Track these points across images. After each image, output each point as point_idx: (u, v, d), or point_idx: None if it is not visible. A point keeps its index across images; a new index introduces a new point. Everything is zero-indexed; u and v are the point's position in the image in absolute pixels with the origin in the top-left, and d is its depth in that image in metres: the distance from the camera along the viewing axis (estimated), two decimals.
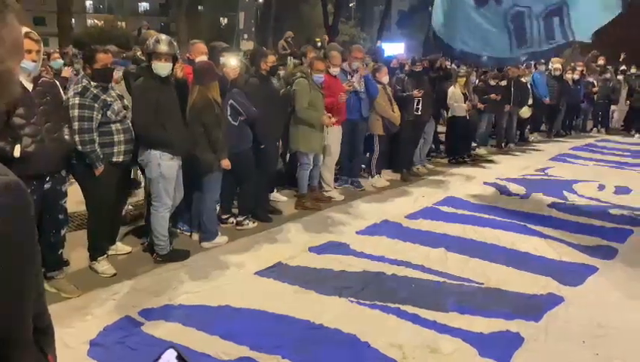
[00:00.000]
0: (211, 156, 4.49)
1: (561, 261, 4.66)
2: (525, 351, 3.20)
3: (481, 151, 9.73)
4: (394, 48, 15.98)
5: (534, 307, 3.75)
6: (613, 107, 13.22)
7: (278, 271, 4.24)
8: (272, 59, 5.51)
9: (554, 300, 3.87)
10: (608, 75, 13.18)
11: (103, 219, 4.18)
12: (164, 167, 4.21)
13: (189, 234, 4.99)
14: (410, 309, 3.64)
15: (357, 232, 5.24)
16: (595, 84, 12.82)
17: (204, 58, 4.93)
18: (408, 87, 7.27)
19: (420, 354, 3.13)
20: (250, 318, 3.49)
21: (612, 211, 6.21)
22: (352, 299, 3.79)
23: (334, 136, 6.28)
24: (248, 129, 5.06)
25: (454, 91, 8.46)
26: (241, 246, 4.79)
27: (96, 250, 4.17)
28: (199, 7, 38.67)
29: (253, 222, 5.32)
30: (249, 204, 5.36)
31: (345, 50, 7.53)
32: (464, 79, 8.62)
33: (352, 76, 6.48)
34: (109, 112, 3.96)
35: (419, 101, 7.31)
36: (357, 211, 5.94)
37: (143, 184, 5.62)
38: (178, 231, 4.97)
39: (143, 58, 4.70)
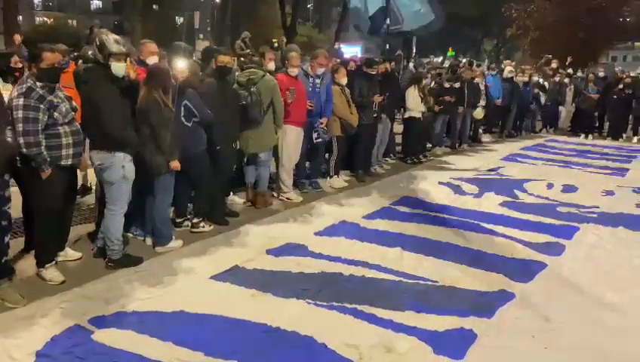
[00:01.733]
0: (160, 158, 4.38)
1: (512, 258, 4.80)
2: (478, 347, 3.28)
3: (436, 151, 9.93)
4: (351, 51, 16.16)
5: (487, 304, 3.85)
6: (560, 108, 13.76)
7: (234, 275, 4.19)
8: (221, 58, 5.31)
9: (505, 296, 3.99)
10: (557, 79, 13.72)
11: (51, 224, 4.01)
12: (128, 168, 4.15)
13: (142, 238, 4.85)
14: (367, 309, 3.66)
15: (315, 233, 5.24)
16: (547, 86, 13.29)
17: (154, 58, 4.80)
18: (363, 91, 7.30)
19: (376, 353, 3.15)
20: (205, 323, 3.44)
21: (560, 209, 6.45)
22: (309, 300, 3.78)
23: (295, 138, 6.26)
24: (202, 130, 4.97)
25: (412, 93, 8.59)
26: (196, 249, 4.70)
27: (44, 256, 4.00)
28: (154, 6, 37.85)
29: (209, 225, 5.23)
30: (204, 206, 5.27)
31: (305, 53, 7.53)
32: (422, 81, 8.78)
33: (314, 79, 6.48)
34: (55, 114, 3.80)
35: (377, 104, 7.38)
36: (315, 212, 5.94)
37: (93, 189, 5.46)
38: (130, 235, 4.83)
39: (94, 58, 4.54)
